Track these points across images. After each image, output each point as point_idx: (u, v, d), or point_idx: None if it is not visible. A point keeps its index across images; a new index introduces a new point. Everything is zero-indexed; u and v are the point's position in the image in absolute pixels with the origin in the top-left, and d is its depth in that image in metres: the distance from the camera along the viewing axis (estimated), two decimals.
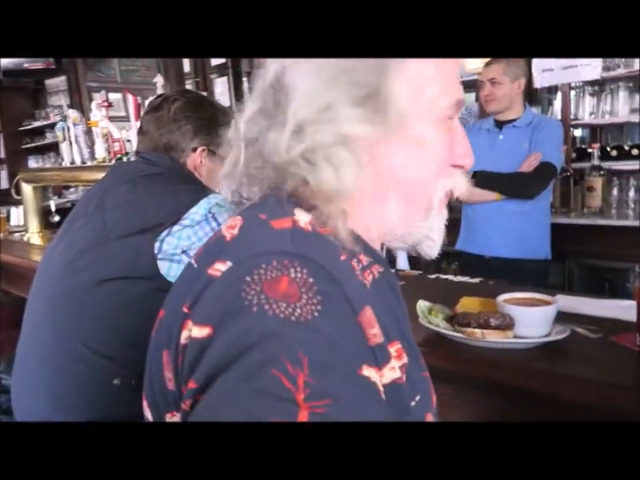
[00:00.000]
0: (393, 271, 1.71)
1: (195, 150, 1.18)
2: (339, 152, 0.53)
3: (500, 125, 2.29)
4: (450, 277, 1.71)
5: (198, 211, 1.04)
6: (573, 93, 2.83)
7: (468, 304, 1.15)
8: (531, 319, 1.03)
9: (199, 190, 1.10)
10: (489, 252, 2.30)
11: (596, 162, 2.55)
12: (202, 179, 1.20)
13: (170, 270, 1.00)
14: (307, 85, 0.54)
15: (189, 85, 4.49)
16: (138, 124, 1.23)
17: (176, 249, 1.00)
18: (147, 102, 1.66)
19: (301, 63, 0.56)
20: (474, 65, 2.91)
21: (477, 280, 1.65)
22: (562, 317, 1.11)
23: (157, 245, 1.00)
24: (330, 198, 0.54)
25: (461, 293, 1.31)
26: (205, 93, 4.18)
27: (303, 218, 0.53)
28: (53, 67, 5.00)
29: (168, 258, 1.00)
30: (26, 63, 4.94)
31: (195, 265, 0.54)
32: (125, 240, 1.00)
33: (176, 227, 1.01)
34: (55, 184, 3.09)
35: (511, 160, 2.22)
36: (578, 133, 3.37)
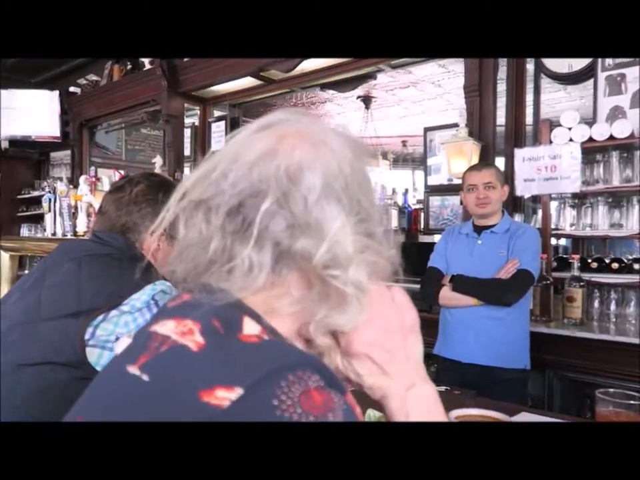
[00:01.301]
0: None
1: (153, 233, 1.16)
2: (362, 280, 0.56)
3: (479, 230, 2.30)
4: None
5: (140, 297, 1.00)
6: (555, 203, 2.89)
7: None
8: None
9: (147, 275, 1.06)
10: (465, 358, 2.23)
11: (576, 272, 2.54)
12: (156, 263, 1.17)
13: (100, 358, 0.94)
14: (334, 211, 0.56)
15: (187, 168, 4.62)
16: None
17: (110, 335, 0.95)
18: None
19: (318, 169, 0.56)
20: (460, 168, 3.00)
21: (442, 388, 1.57)
22: None
23: (89, 330, 0.95)
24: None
25: None
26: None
27: (253, 330, 0.52)
28: (59, 140, 5.16)
29: (100, 345, 0.95)
30: (33, 135, 5.11)
31: (147, 379, 0.48)
32: (55, 322, 0.95)
33: (113, 312, 0.97)
34: (31, 254, 3.09)
35: (488, 265, 2.21)
36: (562, 242, 3.41)
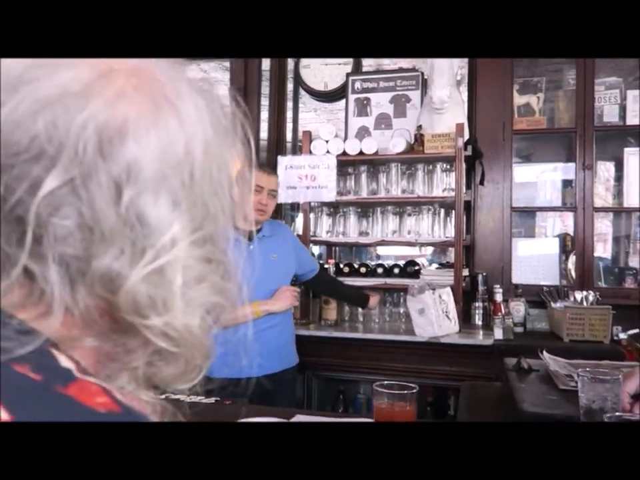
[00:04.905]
0: None
1: None
2: (194, 326, 0.40)
3: (249, 235, 2.27)
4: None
5: None
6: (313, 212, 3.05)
7: None
8: None
9: None
10: (248, 373, 2.14)
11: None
12: None
13: None
14: (164, 218, 0.36)
15: None
16: None
17: None
18: None
19: (151, 144, 0.35)
20: None
21: (212, 400, 1.45)
22: None
23: None
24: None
25: None
26: None
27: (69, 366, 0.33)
28: None
29: None
30: None
31: None
32: None
33: None
34: None
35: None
36: (316, 250, 3.65)
